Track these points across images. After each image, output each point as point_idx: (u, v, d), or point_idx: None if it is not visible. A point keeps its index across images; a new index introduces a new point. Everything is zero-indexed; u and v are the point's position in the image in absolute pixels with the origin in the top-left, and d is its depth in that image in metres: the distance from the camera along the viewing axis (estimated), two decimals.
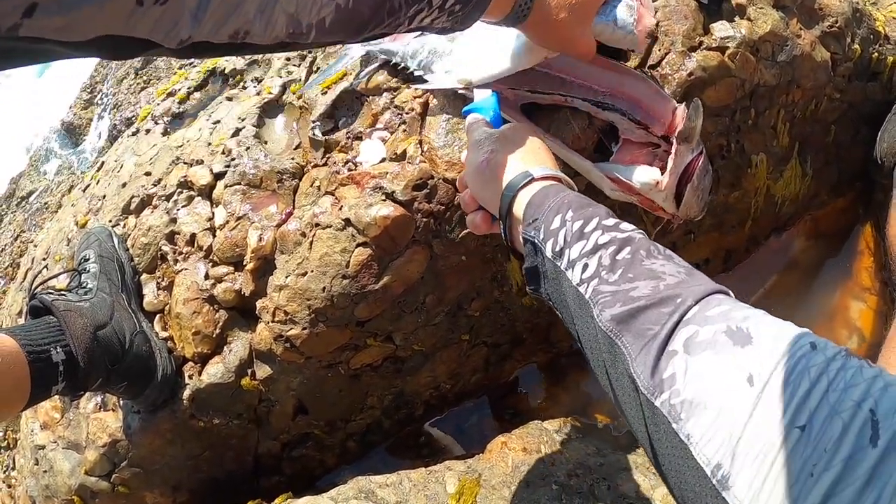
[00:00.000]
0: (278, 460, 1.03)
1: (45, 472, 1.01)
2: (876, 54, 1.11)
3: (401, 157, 0.82)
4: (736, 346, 0.37)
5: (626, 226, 0.50)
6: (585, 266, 0.47)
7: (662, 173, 0.73)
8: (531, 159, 0.61)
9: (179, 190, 0.98)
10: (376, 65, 0.90)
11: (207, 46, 0.44)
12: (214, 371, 0.91)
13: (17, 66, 0.39)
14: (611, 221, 0.50)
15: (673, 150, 0.72)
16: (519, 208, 0.57)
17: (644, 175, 0.73)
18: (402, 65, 0.87)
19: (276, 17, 0.45)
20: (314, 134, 0.91)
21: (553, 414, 1.04)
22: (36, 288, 0.92)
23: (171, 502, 1.01)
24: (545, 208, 0.53)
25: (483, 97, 0.75)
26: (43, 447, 1.01)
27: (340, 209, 0.82)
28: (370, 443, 1.07)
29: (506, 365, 1.06)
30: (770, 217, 1.11)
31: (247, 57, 1.12)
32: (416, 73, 0.85)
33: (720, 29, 0.91)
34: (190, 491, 1.01)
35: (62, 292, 0.90)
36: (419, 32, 0.66)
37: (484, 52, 0.78)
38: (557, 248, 0.50)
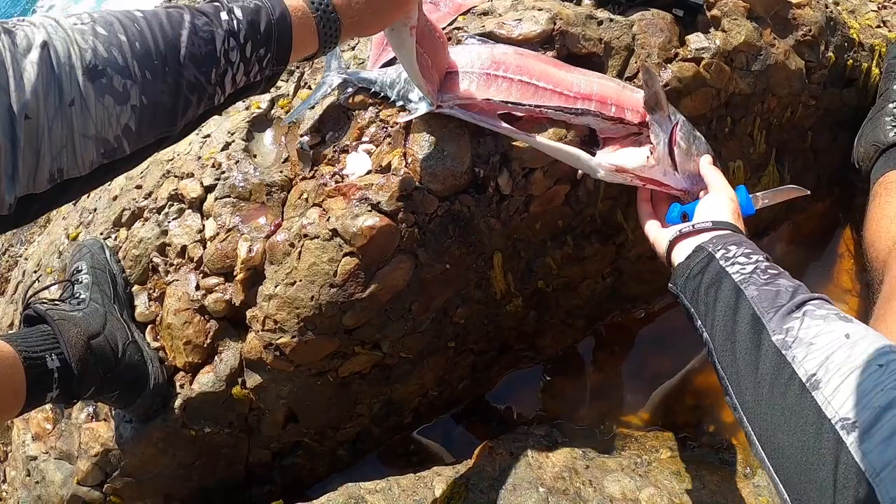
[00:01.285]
0: (269, 469, 1.04)
1: (37, 482, 1.02)
2: (851, 61, 1.14)
3: (386, 170, 0.84)
4: (841, 321, 0.52)
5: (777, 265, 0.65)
6: (744, 266, 0.63)
7: (652, 152, 0.76)
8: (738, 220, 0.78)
9: (170, 203, 1.00)
10: (354, 89, 0.92)
11: (34, 199, 0.46)
12: (205, 380, 0.92)
13: None
14: (770, 261, 0.65)
15: (649, 124, 0.76)
16: (713, 233, 0.73)
17: (635, 157, 0.77)
18: (382, 94, 0.89)
19: (79, 144, 0.47)
20: (302, 147, 0.93)
21: (540, 419, 1.05)
22: (30, 298, 0.94)
23: None
24: (729, 239, 0.69)
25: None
26: (35, 458, 1.02)
27: (328, 220, 0.84)
28: (360, 451, 1.08)
29: (492, 372, 1.08)
30: (749, 221, 1.12)
31: None
32: (398, 103, 0.87)
33: (695, 41, 0.94)
34: (181, 500, 1.02)
35: (56, 302, 0.91)
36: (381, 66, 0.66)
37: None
38: (728, 255, 0.66)
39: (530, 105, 0.82)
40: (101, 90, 0.47)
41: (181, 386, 0.93)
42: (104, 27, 0.49)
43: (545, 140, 0.81)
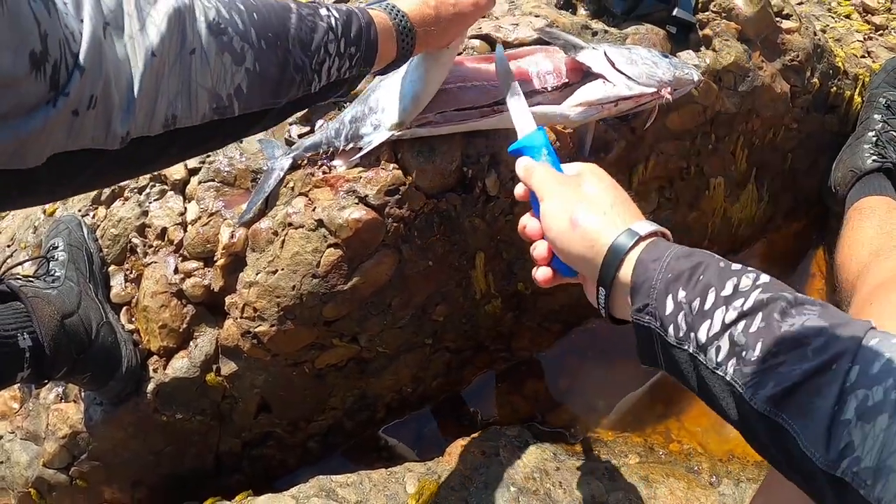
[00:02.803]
0: (239, 459, 1.03)
1: (1, 462, 1.00)
2: (835, 88, 1.17)
3: (375, 163, 0.84)
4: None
5: (744, 283, 0.45)
6: (718, 349, 0.44)
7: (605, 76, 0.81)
8: (623, 210, 0.55)
9: (152, 183, 0.98)
10: (311, 142, 0.88)
11: (146, 142, 0.46)
12: (180, 365, 0.91)
13: None
14: (727, 289, 0.45)
15: (583, 64, 0.82)
16: (626, 274, 0.51)
17: (594, 89, 0.81)
18: (331, 149, 0.87)
19: (195, 93, 0.48)
20: (290, 136, 0.93)
21: (512, 420, 1.06)
22: (2, 273, 0.92)
23: (129, 498, 1.00)
24: (655, 290, 0.48)
25: (528, 133, 0.67)
26: (0, 437, 1.00)
27: (314, 210, 0.83)
28: (331, 444, 1.08)
29: (466, 371, 1.09)
30: (726, 238, 1.15)
31: None
32: (350, 147, 0.85)
33: (686, 58, 0.96)
34: (149, 487, 1.01)
35: (29, 279, 0.89)
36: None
37: (397, 90, 0.80)
38: (681, 335, 0.46)
39: (484, 107, 0.82)
40: (221, 46, 0.49)
41: (154, 370, 0.92)
42: None
43: (511, 112, 0.80)
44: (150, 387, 0.91)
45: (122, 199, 1.01)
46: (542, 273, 0.61)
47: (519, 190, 0.65)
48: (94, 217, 1.03)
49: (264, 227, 0.87)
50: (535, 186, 0.61)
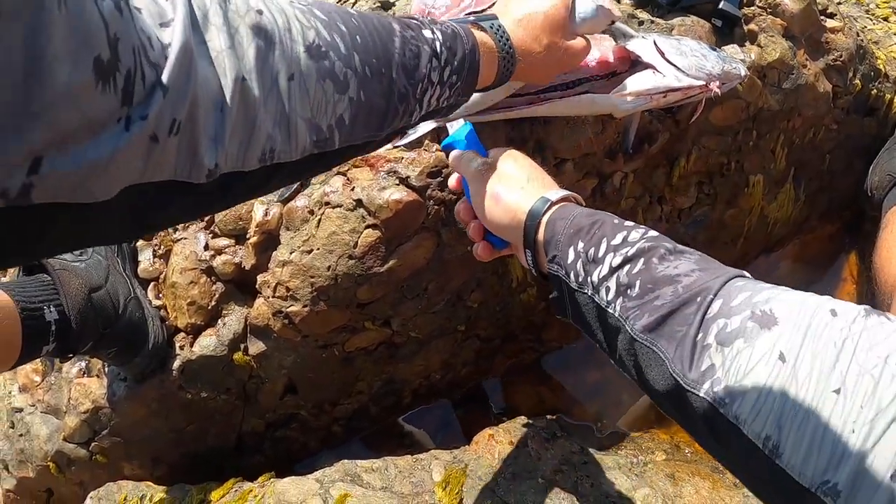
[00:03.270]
0: (261, 439, 1.02)
1: (20, 435, 0.99)
2: (875, 91, 1.16)
3: (417, 144, 0.83)
4: (763, 330, 0.40)
5: (633, 236, 0.52)
6: (608, 289, 0.50)
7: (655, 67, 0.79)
8: (538, 183, 0.63)
9: None
10: None
11: (240, 177, 0.40)
12: (207, 343, 0.90)
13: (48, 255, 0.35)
14: (617, 239, 0.52)
15: (632, 53, 0.79)
16: (542, 234, 0.60)
17: (644, 79, 0.79)
18: None
19: (294, 124, 0.42)
20: None
21: (538, 412, 1.05)
22: None
23: (148, 475, 0.99)
24: (560, 243, 0.56)
25: (457, 128, 0.75)
26: (21, 410, 0.99)
27: (352, 190, 0.82)
28: (355, 429, 1.06)
29: (496, 360, 1.07)
30: (761, 237, 1.14)
31: None
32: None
33: (731, 52, 0.94)
34: (169, 465, 1.00)
35: None
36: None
37: None
38: (580, 279, 0.53)
39: (531, 94, 0.80)
40: (322, 72, 0.43)
41: (181, 347, 0.91)
42: (323, 13, 0.45)
43: (558, 102, 0.80)
44: (176, 364, 0.90)
45: None
46: (479, 248, 0.69)
47: (452, 180, 0.73)
48: None
49: (300, 206, 0.86)
50: (463, 173, 0.68)
